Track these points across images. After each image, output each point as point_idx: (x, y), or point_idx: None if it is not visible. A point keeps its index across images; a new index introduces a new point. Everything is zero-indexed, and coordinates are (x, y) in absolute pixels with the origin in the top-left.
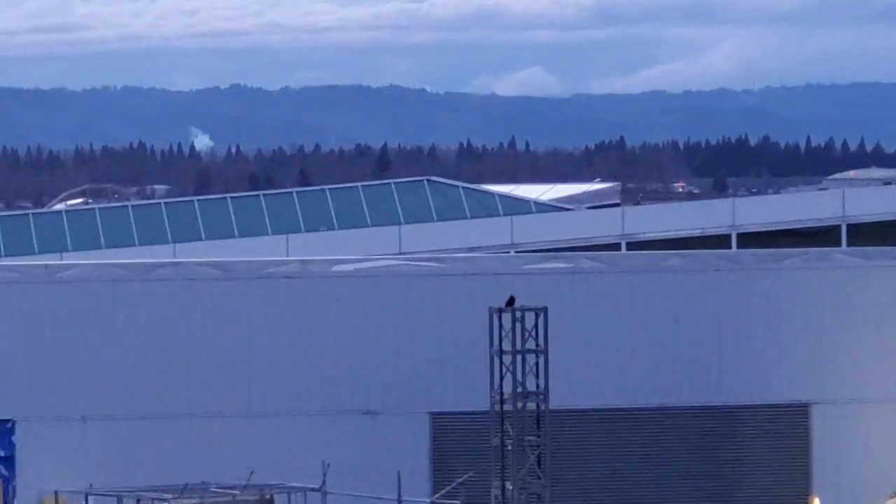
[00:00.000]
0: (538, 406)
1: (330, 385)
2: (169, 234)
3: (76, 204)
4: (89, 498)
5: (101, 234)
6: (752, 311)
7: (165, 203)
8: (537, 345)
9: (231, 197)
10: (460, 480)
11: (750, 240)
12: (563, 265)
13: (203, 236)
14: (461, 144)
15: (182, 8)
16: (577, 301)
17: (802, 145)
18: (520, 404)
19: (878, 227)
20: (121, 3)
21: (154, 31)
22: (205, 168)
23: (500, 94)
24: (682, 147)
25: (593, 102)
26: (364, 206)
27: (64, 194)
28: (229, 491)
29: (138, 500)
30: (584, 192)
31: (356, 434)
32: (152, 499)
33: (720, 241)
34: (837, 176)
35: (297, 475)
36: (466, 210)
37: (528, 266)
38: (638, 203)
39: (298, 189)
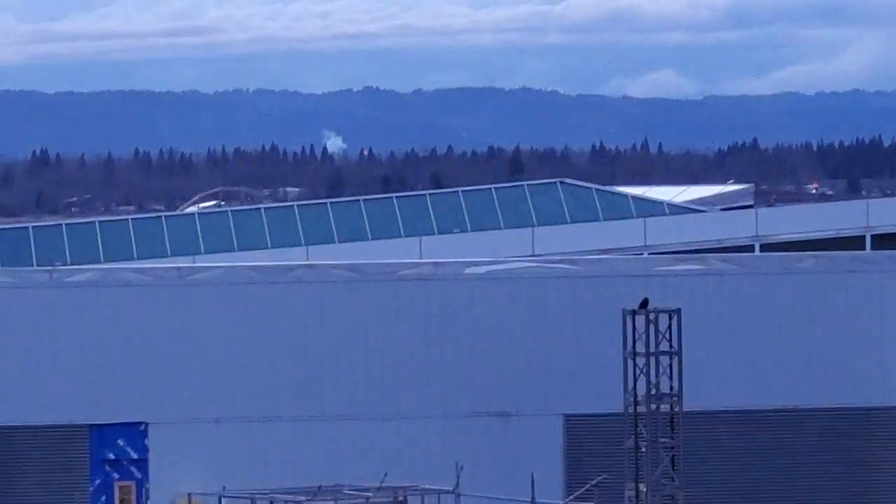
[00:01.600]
0: (672, 408)
1: (463, 387)
2: (302, 237)
3: (209, 206)
4: (222, 500)
5: (234, 237)
6: (887, 312)
7: (298, 205)
8: (671, 346)
9: (364, 199)
10: (594, 482)
11: (884, 241)
12: (696, 267)
13: (336, 239)
14: (594, 146)
15: (316, 10)
16: (711, 302)
17: None
18: (653, 406)
19: None
20: (254, 6)
21: (287, 33)
22: (337, 170)
23: (632, 95)
24: (815, 148)
25: (726, 104)
26: (497, 208)
27: (196, 197)
28: (363, 493)
29: (271, 502)
30: (716, 194)
31: (490, 436)
32: (285, 501)
33: (854, 243)
34: None
35: (431, 477)
36: (599, 212)
37: (661, 268)
38: (771, 205)
39: (431, 191)
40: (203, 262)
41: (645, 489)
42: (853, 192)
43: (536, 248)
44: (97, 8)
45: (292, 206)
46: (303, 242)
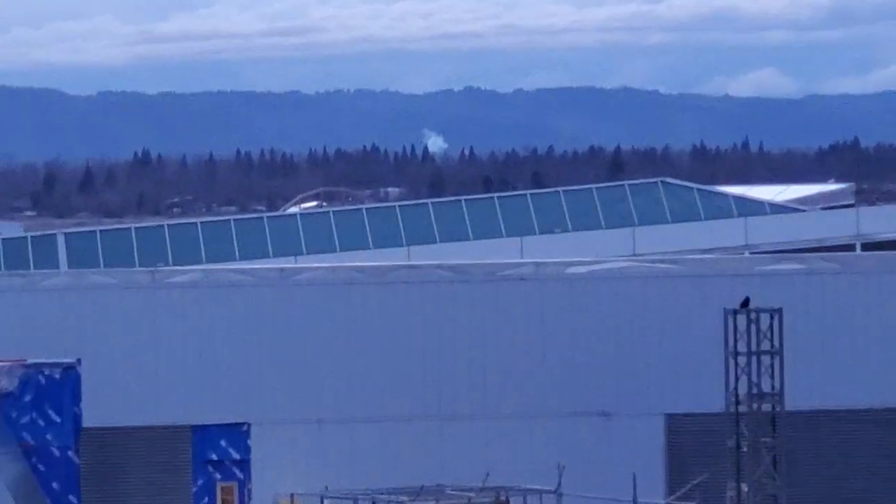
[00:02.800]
0: (773, 407)
1: (565, 387)
2: (403, 237)
3: (310, 207)
4: (324, 500)
5: (336, 238)
6: None
7: (399, 206)
8: (772, 346)
9: (465, 199)
10: (696, 482)
11: None
12: (797, 266)
13: (437, 239)
14: (694, 146)
15: (418, 10)
16: (812, 302)
17: None
18: (755, 405)
19: None
20: (357, 6)
21: (389, 33)
22: (438, 170)
23: (733, 94)
24: None
25: (827, 103)
26: (598, 207)
27: (298, 197)
28: (465, 493)
29: (374, 503)
30: (818, 193)
31: (591, 435)
32: (388, 501)
33: None
34: None
35: (533, 477)
36: (700, 211)
37: (762, 267)
38: (873, 204)
39: (532, 191)
40: (305, 262)
41: (747, 489)
42: None
43: (637, 247)
44: (199, 8)
45: (394, 206)
46: (404, 243)
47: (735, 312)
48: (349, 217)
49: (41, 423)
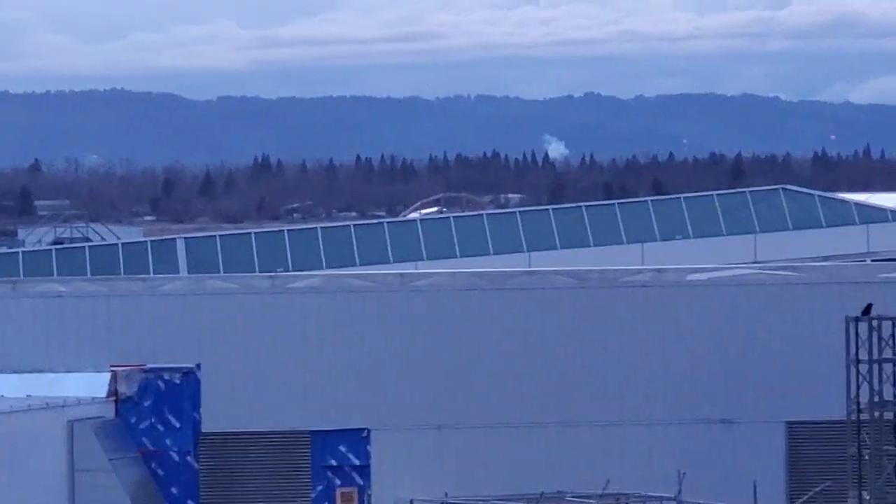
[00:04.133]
0: (895, 415)
1: (685, 394)
2: (524, 243)
3: (430, 213)
4: None
5: (456, 243)
6: None
7: (520, 212)
8: (894, 353)
9: (585, 206)
10: (817, 490)
11: None
12: None
13: (558, 245)
14: (815, 153)
15: (539, 16)
16: None
17: None
18: (877, 413)
19: None
20: (478, 12)
21: (510, 39)
22: (559, 176)
23: (854, 101)
24: None
25: None
26: (719, 214)
27: (418, 203)
28: (586, 500)
29: None
30: None
31: (711, 443)
32: None
33: None
34: None
35: (653, 484)
36: (822, 218)
37: (884, 275)
38: None
39: (653, 198)
40: (425, 268)
41: (868, 497)
42: None
43: (759, 254)
44: (319, 14)
45: (514, 212)
46: (524, 249)
47: (857, 320)
48: (469, 223)
49: (160, 428)
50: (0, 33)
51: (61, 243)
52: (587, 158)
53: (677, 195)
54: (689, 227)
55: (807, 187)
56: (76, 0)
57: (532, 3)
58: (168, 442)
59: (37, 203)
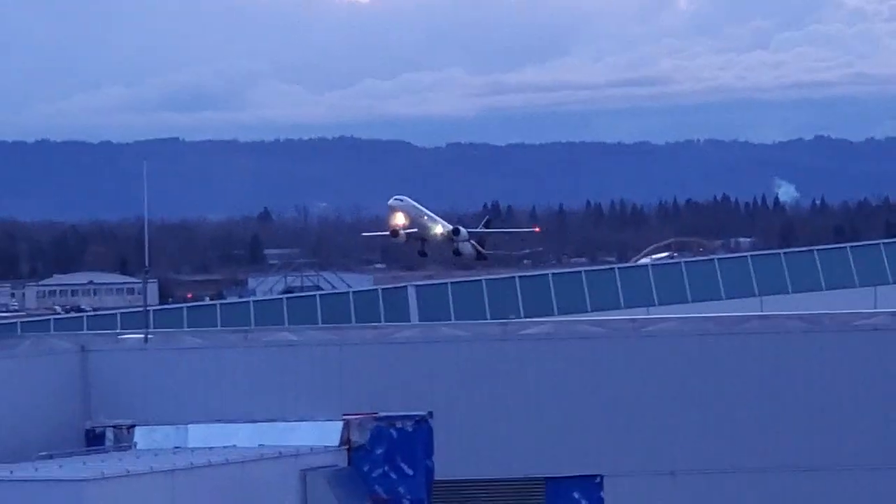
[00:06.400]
0: None
1: None
2: (755, 287)
3: (661, 258)
4: None
5: (687, 288)
6: None
7: (751, 256)
8: None
9: (817, 249)
10: None
11: None
12: None
13: (789, 289)
14: None
15: (769, 60)
16: None
17: None
18: None
19: None
20: (708, 56)
21: (740, 83)
22: (789, 220)
23: None
24: None
25: None
26: None
27: (649, 248)
28: None
29: None
30: None
31: None
32: None
33: None
34: None
35: None
36: None
37: None
38: None
39: (885, 240)
40: (657, 313)
41: None
42: None
43: None
44: (549, 59)
45: (745, 256)
46: (756, 293)
47: None
48: (701, 268)
49: (393, 476)
50: (231, 82)
51: (292, 292)
52: (818, 201)
53: None
54: None
55: None
56: (306, 49)
57: (762, 47)
58: (401, 490)
59: (267, 252)
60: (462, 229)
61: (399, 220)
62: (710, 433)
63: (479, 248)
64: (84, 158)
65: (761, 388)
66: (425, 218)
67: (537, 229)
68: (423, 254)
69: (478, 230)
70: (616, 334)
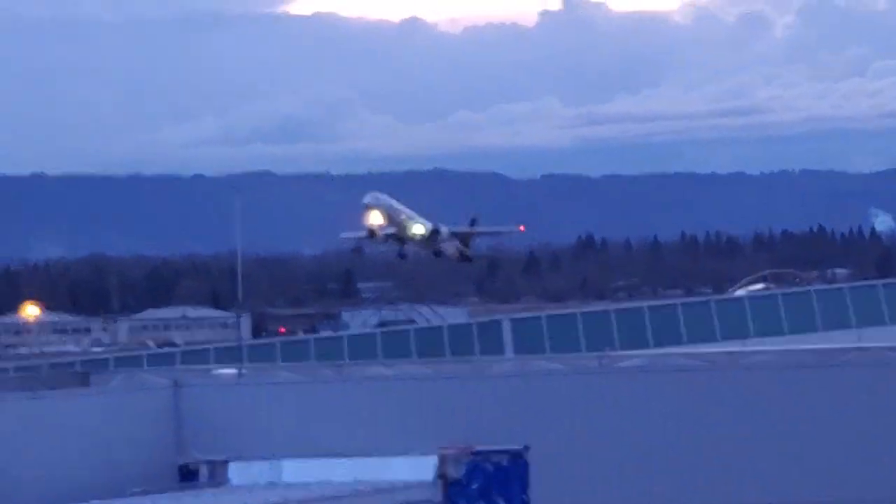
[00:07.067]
0: None
1: None
2: (852, 319)
3: (757, 289)
4: None
5: (784, 320)
6: None
7: (848, 287)
8: None
9: None
10: None
11: None
12: None
13: (887, 320)
14: None
15: (866, 89)
16: None
17: None
18: None
19: None
20: (804, 86)
21: (836, 112)
22: (886, 250)
23: None
24: None
25: None
26: None
27: (745, 280)
28: None
29: None
30: None
31: None
32: None
33: None
34: None
35: None
36: None
37: None
38: None
39: None
40: (753, 345)
41: None
42: None
43: None
44: (642, 89)
45: (842, 287)
46: (853, 325)
47: None
48: (797, 299)
49: None
50: (322, 113)
51: (386, 325)
52: None
53: None
54: None
55: None
56: (398, 80)
57: (859, 75)
58: None
59: (360, 285)
60: (443, 229)
61: (376, 219)
62: (808, 465)
63: (463, 249)
64: (176, 192)
65: (861, 420)
66: (403, 217)
67: (522, 228)
68: (402, 255)
69: (460, 229)
70: (713, 367)
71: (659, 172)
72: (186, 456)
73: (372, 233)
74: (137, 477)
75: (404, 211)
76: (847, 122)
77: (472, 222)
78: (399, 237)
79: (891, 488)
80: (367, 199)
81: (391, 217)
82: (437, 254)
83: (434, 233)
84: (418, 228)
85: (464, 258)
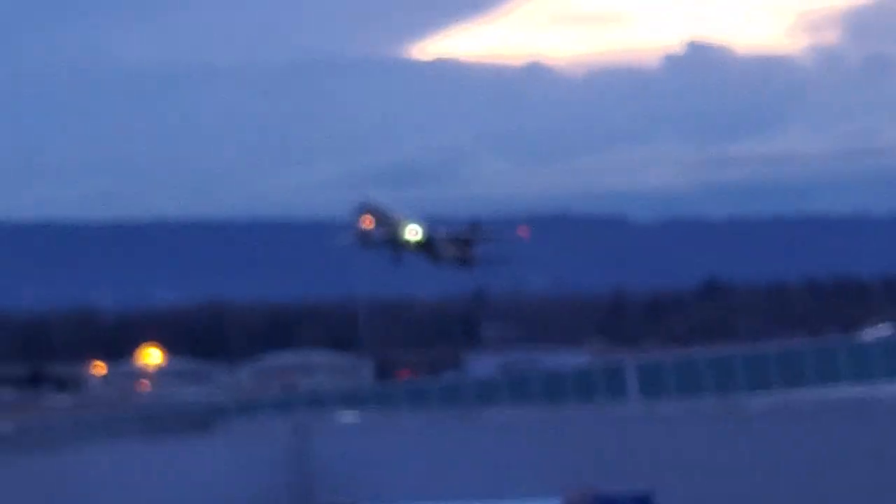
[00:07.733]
0: None
1: None
2: None
3: (884, 332)
4: None
5: None
6: None
7: None
8: None
9: None
10: None
11: None
12: None
13: None
14: None
15: None
16: None
17: None
18: None
19: None
20: None
21: None
22: None
23: None
24: None
25: None
26: None
27: (871, 322)
28: None
29: None
30: None
31: None
32: None
33: None
34: None
35: None
36: None
37: None
38: None
39: None
40: (882, 388)
41: None
42: None
43: None
44: (766, 130)
45: None
46: None
47: None
48: None
49: None
50: (442, 158)
51: (509, 369)
52: None
53: None
54: None
55: None
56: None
57: None
58: None
59: (483, 329)
60: (439, 232)
61: (368, 223)
62: None
63: (462, 254)
64: (295, 237)
65: None
66: (396, 221)
67: (523, 232)
68: (397, 261)
69: (456, 234)
70: (841, 411)
71: (785, 214)
72: (312, 499)
73: (365, 238)
74: None
75: (397, 215)
76: None
77: (472, 227)
78: (393, 242)
79: None
80: (360, 201)
81: (383, 221)
82: (433, 258)
83: (429, 237)
84: (413, 233)
85: (463, 262)
